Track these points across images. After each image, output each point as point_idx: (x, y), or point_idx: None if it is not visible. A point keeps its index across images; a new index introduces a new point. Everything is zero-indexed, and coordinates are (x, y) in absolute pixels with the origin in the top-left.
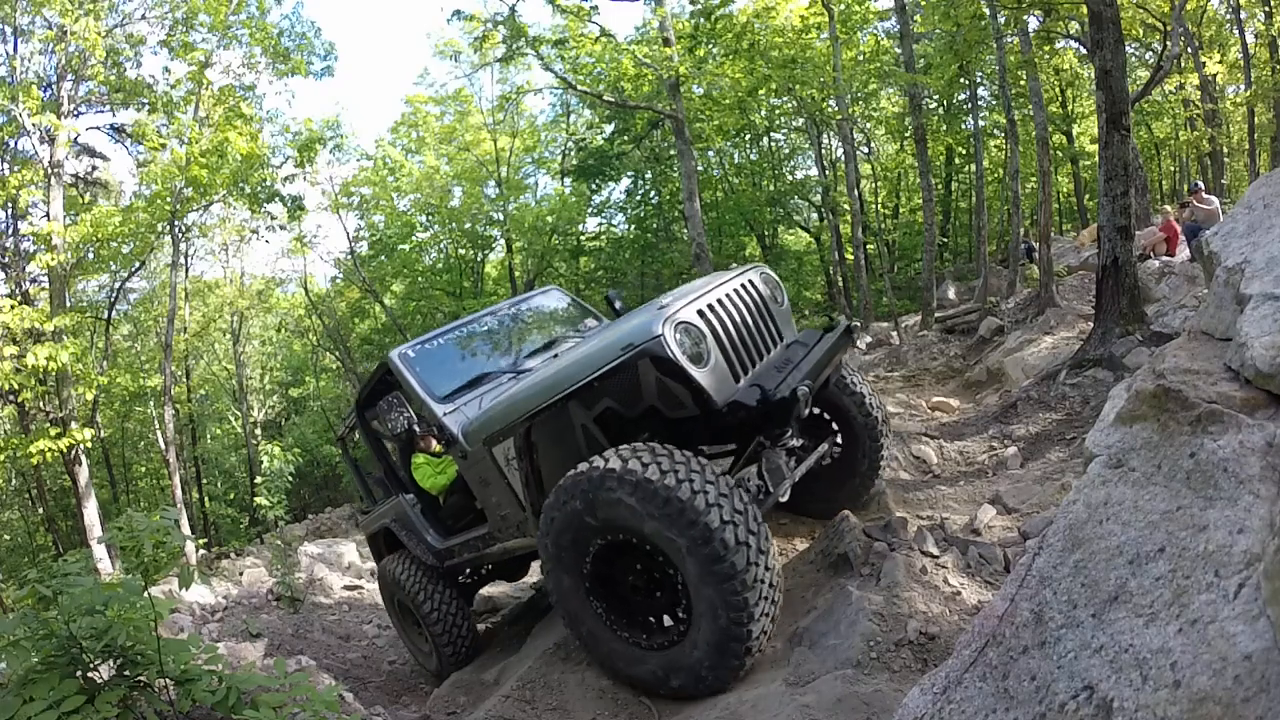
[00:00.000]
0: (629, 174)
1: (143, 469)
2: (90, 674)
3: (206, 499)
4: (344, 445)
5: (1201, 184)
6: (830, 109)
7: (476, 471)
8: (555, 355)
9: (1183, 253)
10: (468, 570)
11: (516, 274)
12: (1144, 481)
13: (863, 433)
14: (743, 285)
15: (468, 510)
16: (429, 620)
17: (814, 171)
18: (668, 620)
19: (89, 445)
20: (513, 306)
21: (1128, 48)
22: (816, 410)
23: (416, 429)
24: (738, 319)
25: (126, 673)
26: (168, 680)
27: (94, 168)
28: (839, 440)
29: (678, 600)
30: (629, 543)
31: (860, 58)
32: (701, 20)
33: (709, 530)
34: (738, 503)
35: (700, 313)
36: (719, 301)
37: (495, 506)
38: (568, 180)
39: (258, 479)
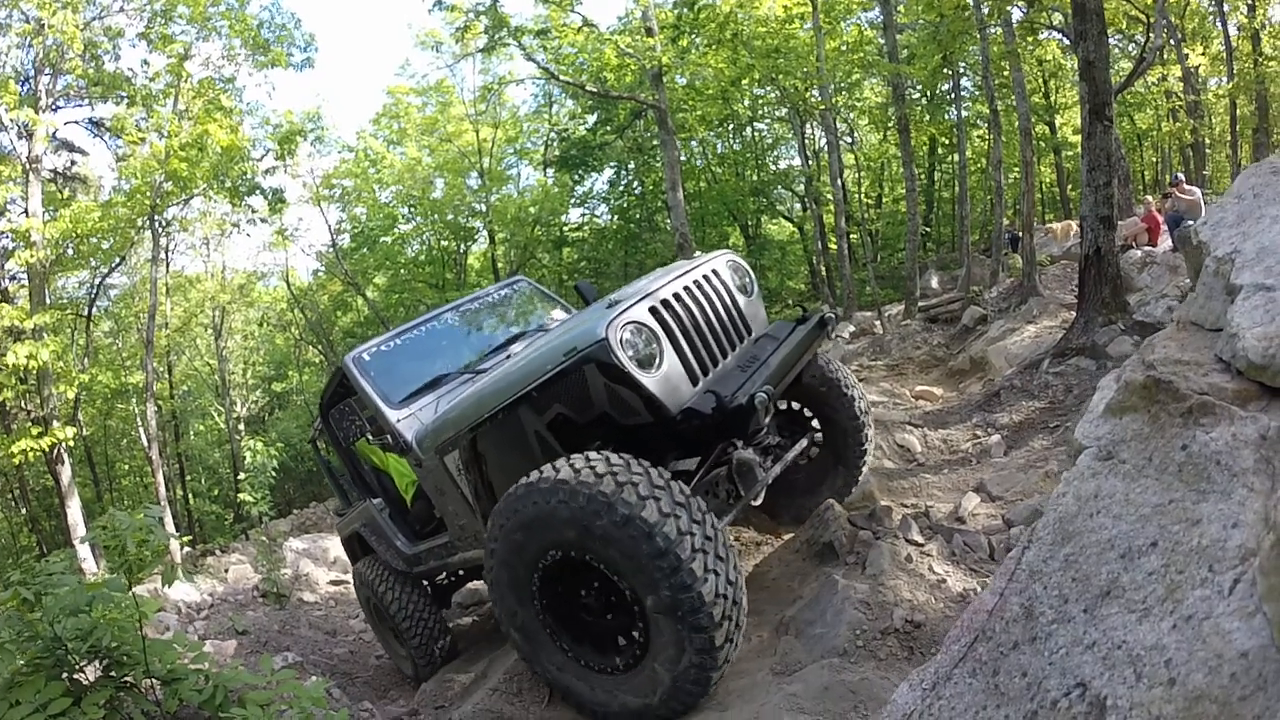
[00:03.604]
0: (612, 164)
1: (126, 467)
2: (76, 675)
3: (191, 496)
4: (316, 447)
5: (1183, 175)
6: (813, 99)
7: (432, 480)
8: (508, 357)
9: (1164, 243)
10: (442, 573)
11: (499, 265)
12: (1135, 474)
13: (844, 427)
14: (705, 276)
15: (433, 516)
16: (401, 627)
17: (797, 161)
18: (621, 642)
19: (71, 444)
20: (477, 301)
21: (1111, 39)
22: (795, 405)
23: (369, 437)
24: (698, 314)
25: (113, 673)
26: (154, 680)
27: (73, 162)
28: (819, 436)
29: (624, 630)
30: (596, 569)
31: (843, 48)
32: (684, 10)
33: (700, 600)
34: (732, 573)
35: (653, 310)
36: (676, 296)
37: (453, 515)
38: (550, 171)
39: (241, 475)
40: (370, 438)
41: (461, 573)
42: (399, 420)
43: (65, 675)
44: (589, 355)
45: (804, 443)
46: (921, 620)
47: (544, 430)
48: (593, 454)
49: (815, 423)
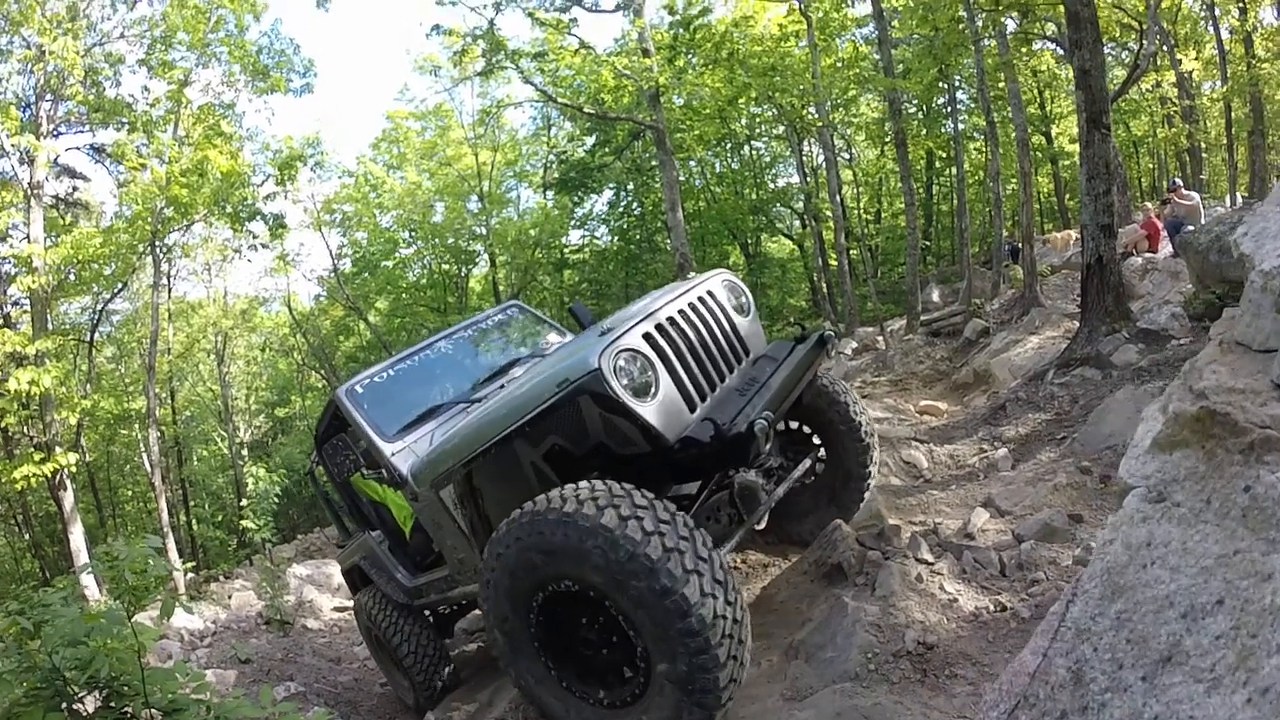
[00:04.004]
0: (611, 186)
1: (129, 492)
2: (75, 706)
3: (195, 521)
4: (314, 479)
5: (1180, 180)
6: (810, 116)
7: (429, 514)
8: (501, 386)
9: (1165, 248)
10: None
11: (500, 288)
12: (1192, 519)
13: (848, 447)
14: (700, 298)
15: (432, 549)
16: (403, 658)
17: (795, 179)
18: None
19: (74, 470)
20: (469, 328)
21: (1105, 47)
22: (797, 425)
23: (364, 472)
24: (693, 338)
25: (112, 704)
26: (154, 711)
27: (74, 188)
28: (822, 456)
29: (616, 670)
30: (611, 614)
31: (839, 64)
32: (680, 30)
33: (714, 683)
34: (746, 657)
35: (647, 336)
36: (670, 320)
37: (451, 549)
38: (550, 193)
39: (244, 501)
40: (365, 471)
41: (464, 602)
42: (393, 453)
43: (64, 706)
44: (582, 386)
45: (807, 463)
46: (934, 642)
47: (540, 462)
48: (639, 499)
49: (818, 441)
